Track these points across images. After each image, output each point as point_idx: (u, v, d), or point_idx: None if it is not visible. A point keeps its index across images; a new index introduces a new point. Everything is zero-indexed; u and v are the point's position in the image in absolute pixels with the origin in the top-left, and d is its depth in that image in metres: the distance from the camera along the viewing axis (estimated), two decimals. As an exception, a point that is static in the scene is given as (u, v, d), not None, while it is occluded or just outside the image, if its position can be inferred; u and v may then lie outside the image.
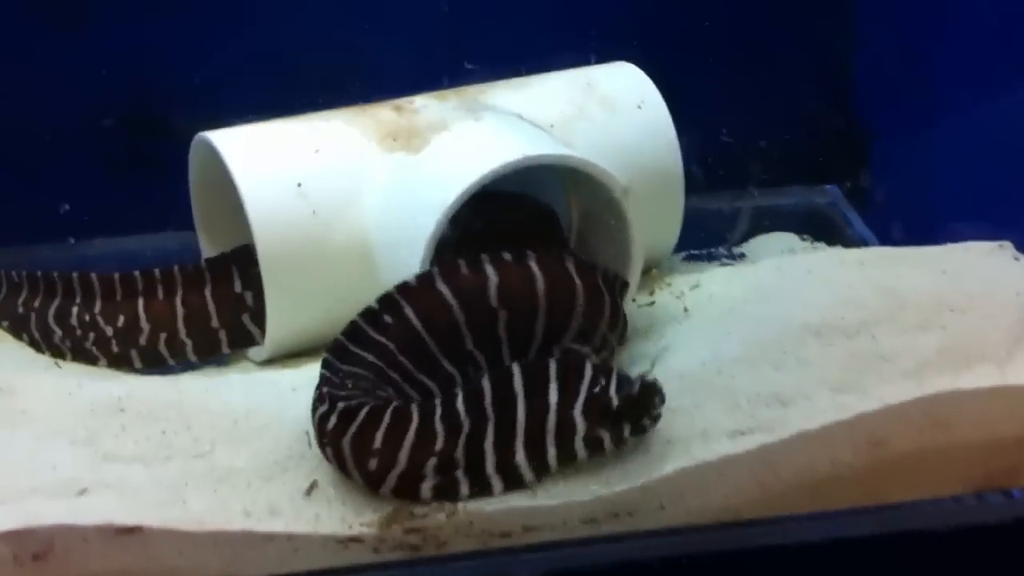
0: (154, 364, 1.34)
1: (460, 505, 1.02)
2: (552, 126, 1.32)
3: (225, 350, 1.35)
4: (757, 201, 1.61)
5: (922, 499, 1.08)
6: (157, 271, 1.35)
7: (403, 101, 1.35)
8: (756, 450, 1.07)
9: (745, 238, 1.55)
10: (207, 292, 1.34)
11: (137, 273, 1.34)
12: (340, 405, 0.99)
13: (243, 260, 1.34)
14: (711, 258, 1.50)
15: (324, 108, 1.36)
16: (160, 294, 1.34)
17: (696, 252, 1.48)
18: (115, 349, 1.33)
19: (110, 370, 1.31)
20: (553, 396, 0.98)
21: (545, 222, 1.33)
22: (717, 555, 1.05)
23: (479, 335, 1.06)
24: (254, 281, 1.32)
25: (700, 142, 1.43)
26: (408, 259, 1.18)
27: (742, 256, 1.50)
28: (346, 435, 0.99)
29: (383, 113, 1.32)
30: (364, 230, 1.24)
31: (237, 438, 1.09)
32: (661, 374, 1.14)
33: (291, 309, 1.25)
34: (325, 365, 1.05)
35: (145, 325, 1.33)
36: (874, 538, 1.04)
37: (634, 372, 1.15)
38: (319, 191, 1.24)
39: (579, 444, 1.00)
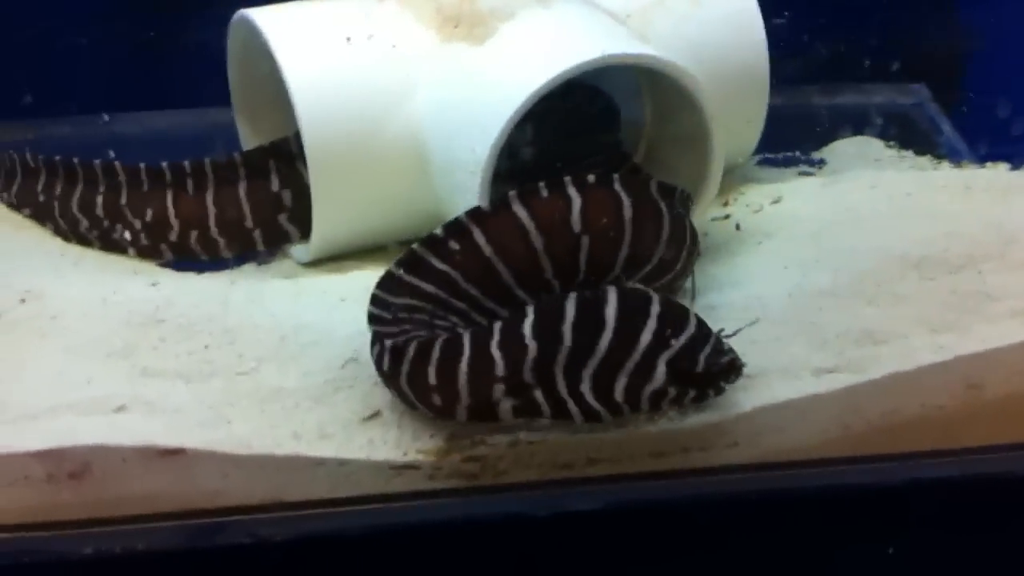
0: (186, 258, 1.26)
1: (522, 434, 0.97)
2: (629, 16, 1.20)
3: (260, 248, 1.27)
4: (837, 99, 1.50)
5: (1012, 443, 1.03)
6: (187, 164, 1.25)
7: (463, -18, 1.24)
8: (842, 391, 1.00)
9: (825, 141, 1.43)
10: (241, 190, 1.25)
11: (165, 165, 1.25)
12: (388, 343, 0.93)
13: (282, 155, 1.25)
14: (788, 163, 1.38)
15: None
16: (190, 189, 1.25)
17: (772, 156, 1.37)
18: (144, 242, 1.26)
19: (142, 262, 1.24)
20: (646, 337, 0.91)
21: (605, 120, 1.23)
22: (790, 494, 1.01)
23: (559, 263, 0.99)
24: (293, 179, 1.24)
25: (775, 31, 1.30)
26: (468, 163, 1.08)
27: (821, 163, 1.39)
28: (400, 375, 0.93)
29: (441, -6, 1.21)
30: (419, 126, 1.14)
31: (285, 356, 1.03)
32: (741, 302, 1.08)
33: (339, 206, 1.16)
34: (374, 301, 0.98)
35: (175, 221, 1.25)
36: (958, 481, 1.00)
37: (702, 297, 1.09)
38: (373, 81, 1.13)
39: (647, 394, 0.94)
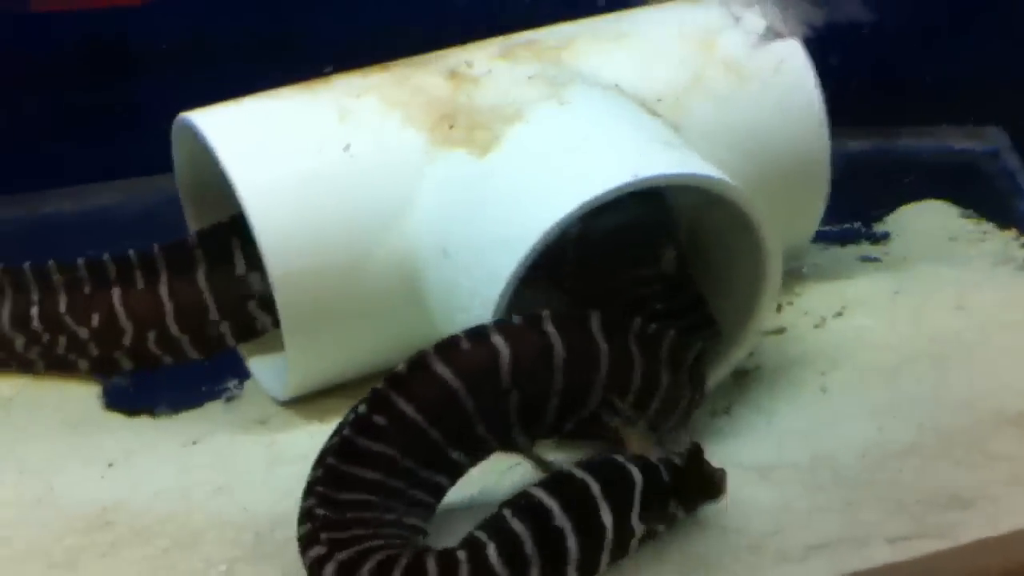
0: (147, 365, 1.11)
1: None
2: (660, 100, 1.02)
3: (230, 343, 1.10)
4: (896, 143, 1.33)
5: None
6: (132, 253, 1.08)
7: (457, 59, 1.05)
8: (922, 558, 0.90)
9: (887, 203, 1.27)
10: (200, 277, 1.08)
11: (107, 257, 1.09)
12: (341, 557, 0.82)
13: (247, 231, 1.04)
14: (846, 239, 1.22)
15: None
16: (140, 283, 1.08)
17: (826, 229, 1.19)
18: (95, 352, 1.10)
19: (85, 407, 1.06)
20: (607, 518, 0.86)
21: (653, 230, 1.05)
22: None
23: (490, 418, 0.90)
24: (261, 258, 1.05)
25: (816, 65, 1.13)
26: (473, 307, 0.93)
27: (886, 237, 1.23)
28: None
29: (432, 82, 1.02)
30: (411, 252, 0.98)
31: (261, 555, 0.89)
32: (806, 462, 0.95)
33: (316, 346, 1.01)
34: (318, 500, 0.85)
35: (127, 323, 1.08)
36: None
37: (759, 453, 0.97)
38: (354, 205, 0.97)
39: (634, 544, 0.89)
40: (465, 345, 0.88)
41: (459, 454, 0.91)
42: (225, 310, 1.10)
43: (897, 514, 0.91)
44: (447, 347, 0.89)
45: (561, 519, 0.84)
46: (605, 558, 0.87)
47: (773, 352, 1.06)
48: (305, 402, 1.07)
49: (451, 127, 0.99)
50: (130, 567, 0.88)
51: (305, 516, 0.85)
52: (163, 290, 1.09)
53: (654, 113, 1.03)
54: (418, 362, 0.88)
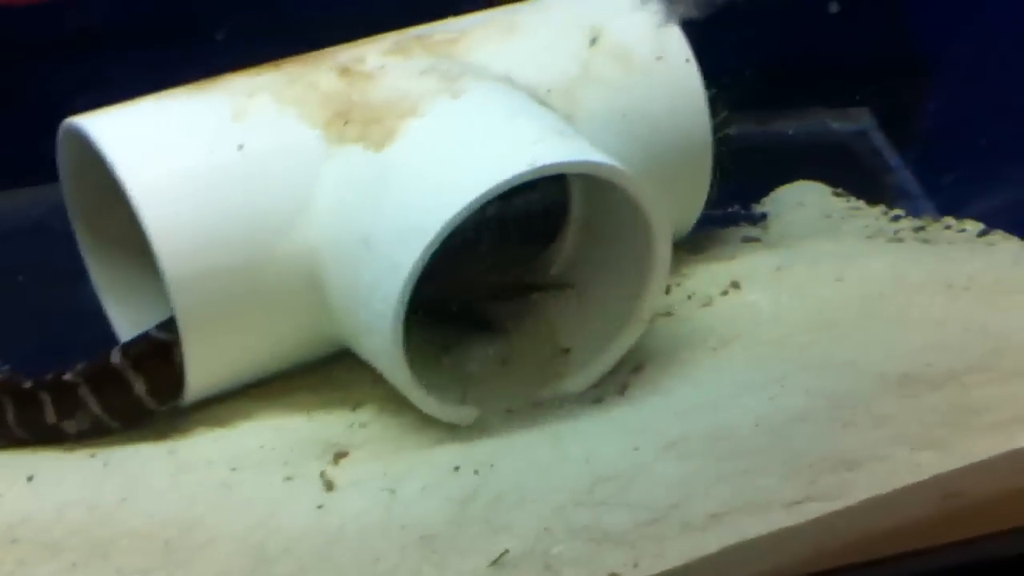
0: None
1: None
2: (550, 91, 1.07)
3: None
4: (770, 127, 1.42)
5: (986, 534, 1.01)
6: None
7: (349, 57, 1.07)
8: (817, 519, 0.96)
9: (763, 184, 1.35)
10: None
11: None
12: None
13: None
14: (728, 221, 1.30)
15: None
16: None
17: (707, 213, 1.26)
18: None
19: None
20: None
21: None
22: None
23: None
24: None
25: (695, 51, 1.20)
26: (374, 303, 0.96)
27: (763, 218, 1.31)
28: None
29: (324, 79, 1.04)
30: (311, 249, 1.00)
31: (173, 564, 0.90)
32: (702, 432, 1.00)
33: (216, 350, 1.02)
34: None
35: None
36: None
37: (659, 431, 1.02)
38: (250, 203, 0.99)
39: None
40: None
41: None
42: None
43: (792, 478, 0.96)
44: None
45: None
46: None
47: (664, 334, 1.11)
48: (207, 414, 1.07)
49: (346, 123, 1.02)
50: (40, 584, 0.88)
51: None
52: None
53: (545, 104, 1.07)
54: None
